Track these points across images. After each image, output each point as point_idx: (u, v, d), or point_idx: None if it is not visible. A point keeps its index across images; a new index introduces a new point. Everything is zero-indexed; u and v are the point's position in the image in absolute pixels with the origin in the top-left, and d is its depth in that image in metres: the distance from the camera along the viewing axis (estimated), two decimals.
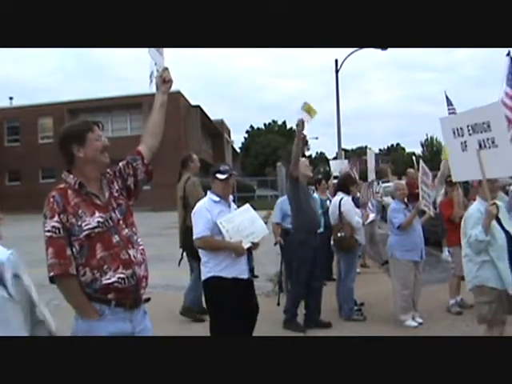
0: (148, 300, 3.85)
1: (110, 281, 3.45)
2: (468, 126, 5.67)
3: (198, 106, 46.51)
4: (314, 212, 8.47)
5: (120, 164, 3.87)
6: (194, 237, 6.00)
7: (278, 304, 8.99)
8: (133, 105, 41.38)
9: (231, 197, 6.35)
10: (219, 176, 6.05)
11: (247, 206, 6.38)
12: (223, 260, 5.89)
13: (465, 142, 5.74)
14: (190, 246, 8.93)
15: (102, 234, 3.52)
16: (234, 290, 5.85)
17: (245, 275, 6.05)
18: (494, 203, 5.69)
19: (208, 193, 6.24)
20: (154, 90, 4.11)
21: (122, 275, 3.50)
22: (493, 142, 5.42)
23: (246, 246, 5.93)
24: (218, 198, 6.06)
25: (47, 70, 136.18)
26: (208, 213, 5.94)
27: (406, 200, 8.93)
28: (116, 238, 3.56)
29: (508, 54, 12.16)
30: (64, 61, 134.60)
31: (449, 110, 13.18)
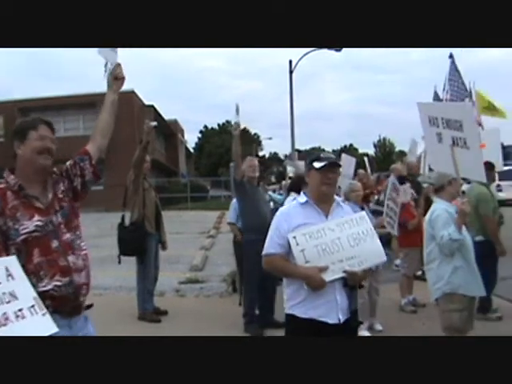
0: (90, 306, 3.71)
1: (45, 288, 3.33)
2: (442, 119, 5.42)
3: (152, 106, 46.16)
4: (261, 213, 8.24)
5: (67, 164, 3.75)
6: (263, 253, 4.40)
7: (240, 304, 9.00)
8: (86, 104, 40.76)
9: (339, 199, 4.61)
10: (316, 164, 4.23)
11: (362, 214, 4.47)
12: (298, 292, 4.19)
13: (440, 133, 5.50)
14: (123, 244, 8.91)
15: (40, 239, 3.40)
16: (310, 335, 4.06)
17: (331, 319, 4.12)
18: (466, 201, 5.46)
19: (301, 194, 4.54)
20: (108, 81, 3.97)
21: (58, 283, 3.39)
22: (465, 143, 5.22)
23: (331, 277, 4.05)
24: (304, 199, 4.32)
25: None
26: (284, 222, 4.25)
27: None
28: (55, 243, 3.45)
29: (450, 56, 12.53)
30: (15, 59, 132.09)
31: None
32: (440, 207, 5.74)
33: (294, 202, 4.47)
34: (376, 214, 8.68)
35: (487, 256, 7.24)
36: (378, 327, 8.20)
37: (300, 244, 4.04)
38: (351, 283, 4.21)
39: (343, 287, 4.17)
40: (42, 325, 2.99)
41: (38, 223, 3.41)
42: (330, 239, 4.09)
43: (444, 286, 5.64)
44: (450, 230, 5.40)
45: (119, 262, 8.91)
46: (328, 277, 4.02)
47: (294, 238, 4.06)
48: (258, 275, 7.89)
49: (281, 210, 4.48)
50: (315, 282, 4.02)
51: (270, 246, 4.26)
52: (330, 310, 4.11)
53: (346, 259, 4.09)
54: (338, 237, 4.12)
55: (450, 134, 5.36)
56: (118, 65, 3.94)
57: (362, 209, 8.06)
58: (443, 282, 5.63)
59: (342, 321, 4.15)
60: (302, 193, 4.50)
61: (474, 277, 5.65)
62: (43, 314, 3.02)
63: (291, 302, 4.23)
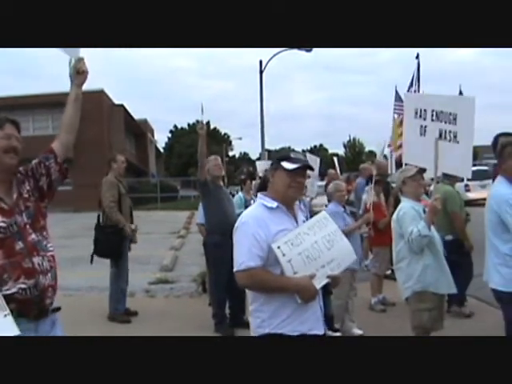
0: (58, 309, 3.65)
1: (9, 291, 3.26)
2: (433, 111, 5.40)
3: (122, 105, 45.92)
4: (226, 213, 8.20)
5: (33, 163, 3.68)
6: (235, 268, 3.72)
7: (210, 304, 8.94)
8: (55, 103, 40.28)
9: (300, 204, 4.37)
10: (286, 165, 3.75)
11: (323, 214, 4.10)
12: (282, 308, 3.66)
13: (425, 126, 5.48)
14: (99, 246, 8.84)
15: (4, 240, 3.33)
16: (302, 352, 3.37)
17: (319, 330, 3.79)
18: (438, 198, 5.47)
19: (258, 195, 4.00)
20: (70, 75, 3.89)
21: (23, 285, 3.32)
22: (455, 137, 5.19)
23: (320, 283, 3.68)
24: (274, 204, 3.78)
25: None
26: (258, 228, 3.66)
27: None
28: (20, 245, 3.38)
29: (417, 57, 12.72)
30: None
31: (395, 106, 13.32)
32: (406, 205, 5.75)
33: (255, 206, 3.92)
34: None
35: (458, 254, 7.36)
36: (358, 331, 8.06)
37: (286, 254, 3.58)
38: (333, 288, 4.04)
39: (323, 294, 3.91)
40: (2, 327, 2.96)
41: (2, 224, 3.35)
42: (309, 244, 3.70)
43: (414, 284, 5.61)
44: (419, 226, 5.38)
45: (91, 262, 8.83)
46: (317, 284, 3.65)
47: (279, 247, 3.58)
48: (225, 276, 7.84)
49: (248, 215, 3.82)
50: (309, 292, 3.61)
51: (250, 258, 3.61)
52: (317, 320, 3.78)
53: (327, 263, 3.73)
54: (315, 241, 3.75)
55: (437, 127, 5.33)
56: (81, 59, 3.84)
57: (344, 208, 8.10)
58: (413, 281, 5.61)
59: (326, 329, 3.89)
60: (261, 195, 3.94)
61: (444, 274, 5.65)
62: (5, 316, 3.00)
63: (275, 320, 3.66)
